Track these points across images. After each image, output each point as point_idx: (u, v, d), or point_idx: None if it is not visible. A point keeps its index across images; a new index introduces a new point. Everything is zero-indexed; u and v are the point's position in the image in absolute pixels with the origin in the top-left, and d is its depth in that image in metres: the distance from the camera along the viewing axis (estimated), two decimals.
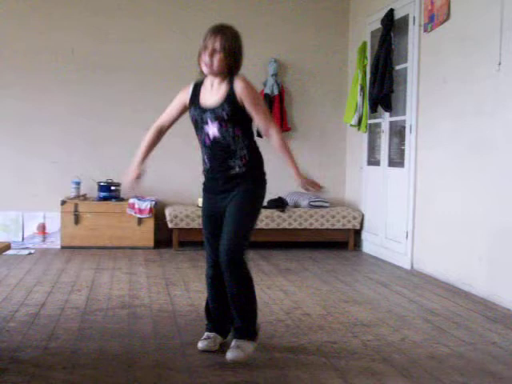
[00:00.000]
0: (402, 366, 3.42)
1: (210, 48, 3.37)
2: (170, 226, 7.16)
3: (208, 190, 3.57)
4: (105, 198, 7.33)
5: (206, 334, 3.65)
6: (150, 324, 4.17)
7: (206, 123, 3.41)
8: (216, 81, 3.46)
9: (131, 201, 7.26)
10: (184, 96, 3.60)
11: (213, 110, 3.39)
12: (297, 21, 7.96)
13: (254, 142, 3.54)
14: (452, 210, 5.58)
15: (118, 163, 7.67)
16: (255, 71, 7.55)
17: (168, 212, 7.21)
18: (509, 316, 4.53)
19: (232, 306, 3.47)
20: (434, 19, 5.84)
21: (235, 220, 3.41)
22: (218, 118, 3.38)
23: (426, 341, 3.90)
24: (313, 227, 7.34)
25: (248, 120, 3.45)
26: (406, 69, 6.46)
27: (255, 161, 3.51)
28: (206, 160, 3.50)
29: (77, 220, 7.21)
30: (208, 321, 3.69)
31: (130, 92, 7.67)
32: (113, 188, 7.36)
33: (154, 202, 7.31)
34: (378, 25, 6.87)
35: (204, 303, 3.76)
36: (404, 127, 6.51)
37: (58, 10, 7.55)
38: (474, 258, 5.21)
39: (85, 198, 7.44)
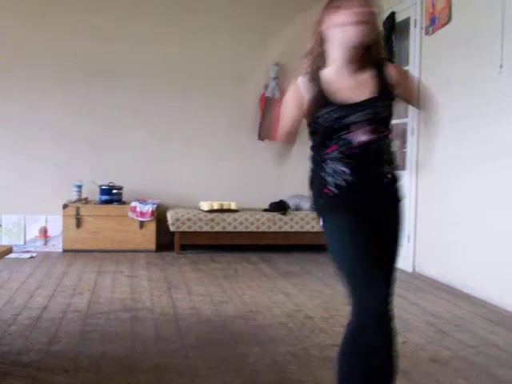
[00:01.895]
0: (404, 369, 3.41)
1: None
2: (171, 229, 7.16)
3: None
4: (106, 202, 7.33)
5: None
6: (152, 327, 4.17)
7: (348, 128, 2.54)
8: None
9: (133, 204, 7.26)
10: None
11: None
12: (298, 23, 7.95)
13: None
14: (454, 213, 5.57)
15: (119, 167, 7.69)
16: (256, 74, 7.57)
17: (170, 215, 7.21)
18: (511, 319, 4.53)
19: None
20: (436, 22, 5.85)
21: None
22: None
23: (429, 344, 3.89)
24: (314, 230, 7.33)
25: None
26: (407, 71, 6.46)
27: None
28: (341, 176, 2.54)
29: (78, 223, 7.20)
30: None
31: (133, 95, 7.67)
32: (114, 191, 7.37)
33: (155, 206, 7.31)
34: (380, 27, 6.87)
35: None
36: (406, 130, 6.51)
37: (61, 14, 7.55)
38: (476, 261, 5.20)
39: (86, 201, 7.44)
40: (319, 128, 2.48)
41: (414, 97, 2.73)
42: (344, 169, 2.46)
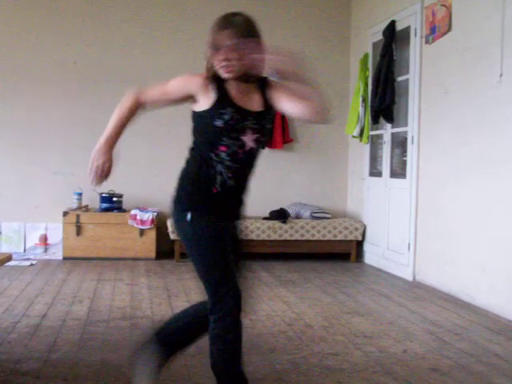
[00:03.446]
0: (404, 378, 3.41)
1: (229, 50, 2.62)
2: (171, 237, 7.15)
3: (215, 211, 2.72)
4: (106, 209, 7.33)
5: None
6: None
7: (244, 132, 2.67)
8: (241, 85, 2.71)
9: (133, 212, 7.26)
10: (195, 86, 2.68)
11: (258, 117, 2.70)
12: (299, 32, 7.99)
13: None
14: (454, 221, 5.57)
15: (119, 174, 7.66)
16: None
17: (170, 223, 7.20)
18: (511, 327, 4.52)
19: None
20: (436, 31, 5.86)
21: (243, 262, 2.88)
22: (261, 128, 2.72)
23: (429, 353, 3.88)
24: (315, 238, 7.33)
25: None
26: (407, 80, 6.48)
27: None
28: (225, 176, 2.68)
29: (79, 231, 7.20)
30: None
31: None
32: (115, 199, 7.37)
33: (155, 213, 7.31)
34: (380, 36, 6.89)
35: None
36: (406, 138, 6.51)
37: (61, 22, 7.58)
38: (477, 269, 5.19)
39: (87, 209, 7.44)
40: (212, 127, 2.63)
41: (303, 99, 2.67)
42: (227, 171, 2.68)
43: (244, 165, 2.73)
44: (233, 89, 2.67)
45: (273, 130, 7.69)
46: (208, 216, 2.69)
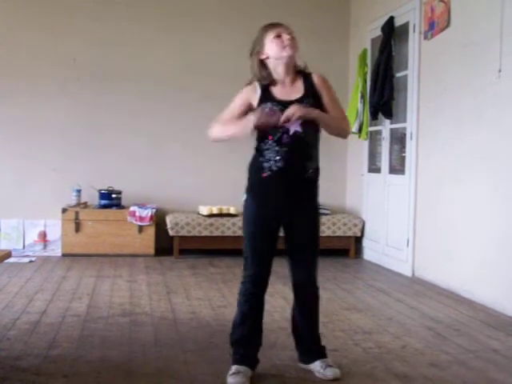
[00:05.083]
0: (403, 374, 3.41)
1: (287, 34, 3.45)
2: (170, 233, 7.16)
3: (267, 195, 3.24)
4: (105, 206, 7.33)
5: (236, 367, 3.23)
6: (151, 332, 4.16)
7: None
8: (287, 80, 3.25)
9: (132, 208, 7.26)
10: (250, 94, 3.26)
11: (299, 103, 3.14)
12: (297, 28, 7.93)
13: None
14: (453, 217, 5.57)
15: (118, 171, 7.69)
16: None
17: (169, 220, 7.21)
18: (510, 323, 4.52)
19: (312, 327, 3.46)
20: (434, 27, 5.86)
21: (313, 242, 3.48)
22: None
23: (428, 348, 3.89)
24: None
25: None
26: (406, 76, 6.47)
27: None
28: (274, 160, 3.16)
29: (77, 228, 7.20)
30: (237, 351, 3.30)
31: (131, 100, 7.67)
32: (113, 196, 7.37)
33: (154, 210, 7.31)
34: (379, 32, 6.89)
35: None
36: (405, 134, 6.51)
37: (60, 20, 7.57)
38: (476, 265, 5.20)
39: (85, 205, 7.44)
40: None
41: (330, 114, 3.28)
42: (275, 155, 3.16)
43: (292, 147, 3.14)
44: (277, 85, 3.23)
45: None
46: (257, 201, 3.24)
